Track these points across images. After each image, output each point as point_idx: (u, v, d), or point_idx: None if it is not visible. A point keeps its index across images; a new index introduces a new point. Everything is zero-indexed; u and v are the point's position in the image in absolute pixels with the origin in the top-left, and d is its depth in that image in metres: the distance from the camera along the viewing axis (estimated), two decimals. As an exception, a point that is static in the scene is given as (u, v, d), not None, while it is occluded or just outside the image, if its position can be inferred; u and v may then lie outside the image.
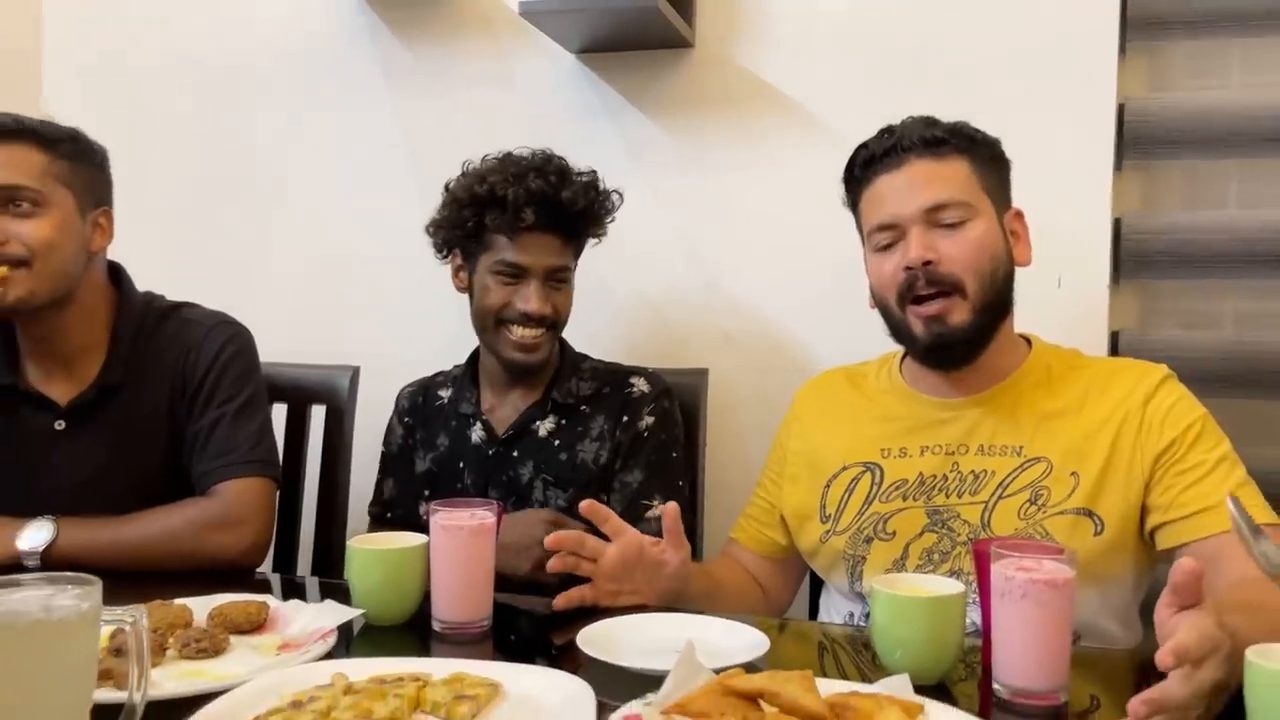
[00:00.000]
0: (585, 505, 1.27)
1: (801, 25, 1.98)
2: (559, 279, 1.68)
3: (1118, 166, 1.85)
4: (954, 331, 1.34)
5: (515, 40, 2.11)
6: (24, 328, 1.53)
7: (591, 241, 1.75)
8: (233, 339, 1.60)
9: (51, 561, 1.35)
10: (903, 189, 1.37)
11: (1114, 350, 1.82)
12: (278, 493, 1.58)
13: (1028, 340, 1.47)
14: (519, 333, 1.64)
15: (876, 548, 1.40)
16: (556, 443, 1.69)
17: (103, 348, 1.55)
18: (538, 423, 1.70)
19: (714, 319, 2.03)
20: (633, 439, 1.68)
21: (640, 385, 1.72)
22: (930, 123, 1.40)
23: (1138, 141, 1.85)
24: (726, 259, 2.03)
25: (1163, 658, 0.84)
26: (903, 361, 1.51)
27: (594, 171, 1.70)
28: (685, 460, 1.72)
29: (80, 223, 1.52)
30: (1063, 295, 1.83)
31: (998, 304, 1.37)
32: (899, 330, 1.40)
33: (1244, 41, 1.82)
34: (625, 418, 1.68)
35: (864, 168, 1.43)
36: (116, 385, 1.54)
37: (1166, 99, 1.84)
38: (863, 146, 1.44)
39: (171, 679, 1.00)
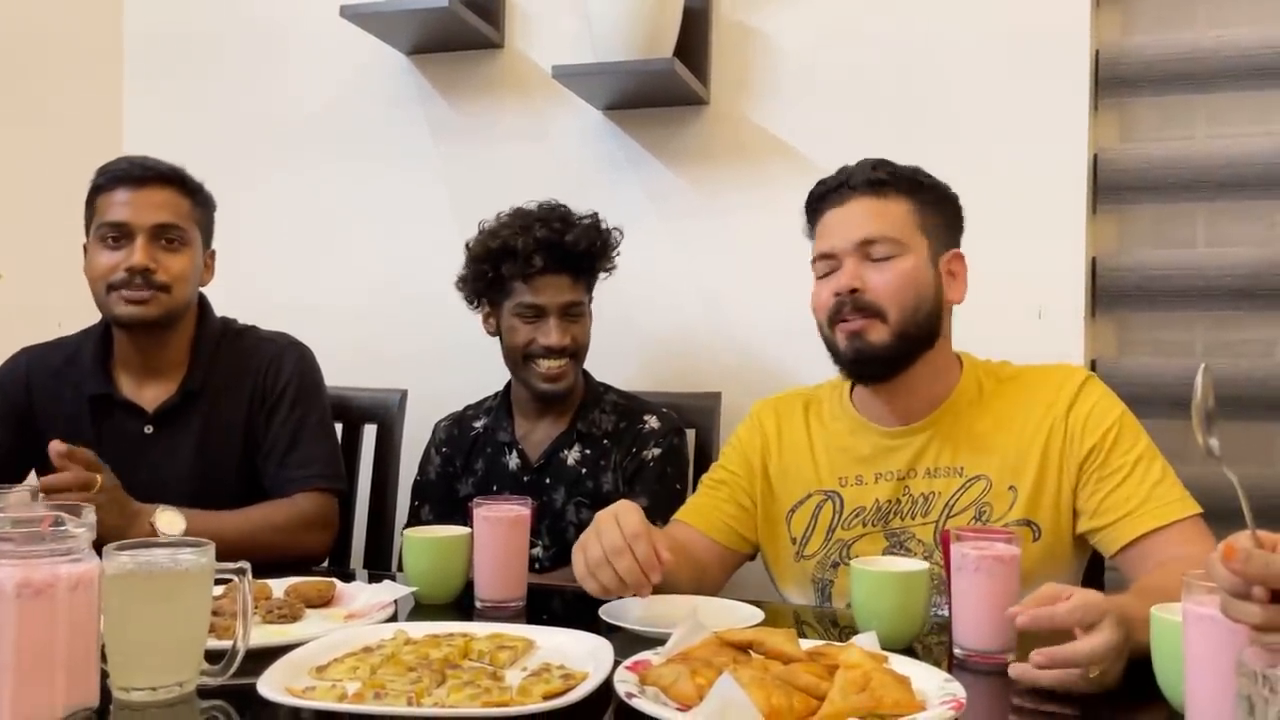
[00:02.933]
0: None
1: (804, 83, 2.16)
2: (574, 313, 1.85)
3: (1093, 210, 2.02)
4: (871, 348, 1.43)
5: (548, 99, 2.30)
6: (133, 341, 1.72)
7: (603, 275, 1.91)
8: (305, 357, 1.81)
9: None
10: (843, 223, 1.46)
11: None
12: (339, 505, 1.78)
13: (961, 360, 1.54)
14: (545, 365, 1.81)
15: (843, 572, 1.49)
16: (584, 470, 1.85)
17: (185, 361, 1.75)
18: (565, 451, 1.86)
19: (726, 348, 2.20)
20: (638, 467, 1.82)
21: (652, 423, 1.86)
22: (877, 165, 1.48)
23: (1111, 188, 2.01)
24: (738, 294, 2.20)
25: (1035, 658, 1.01)
26: (853, 391, 1.57)
27: (595, 214, 1.87)
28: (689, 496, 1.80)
29: (200, 260, 1.76)
30: (1043, 326, 1.99)
31: (920, 334, 1.44)
32: (830, 348, 1.49)
33: (1207, 98, 1.99)
34: (634, 450, 1.84)
35: (817, 201, 1.52)
36: (197, 392, 1.72)
37: (1137, 149, 2.01)
38: (820, 183, 1.53)
39: (261, 637, 1.18)
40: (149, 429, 1.72)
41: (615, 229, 1.90)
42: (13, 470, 1.71)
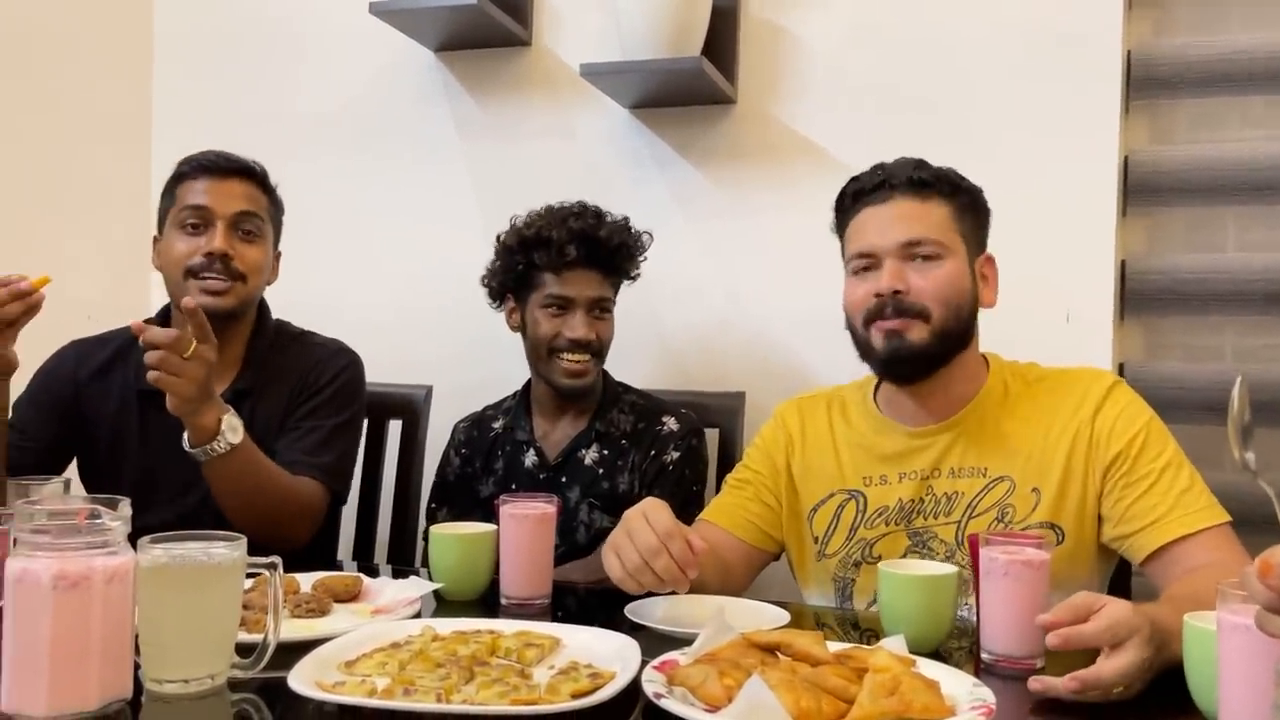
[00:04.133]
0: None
1: (833, 83, 2.16)
2: (602, 309, 1.86)
3: (1122, 213, 2.01)
4: (910, 347, 1.43)
5: (575, 97, 2.31)
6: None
7: (626, 282, 1.92)
8: (352, 365, 1.81)
9: (214, 451, 1.51)
10: (885, 222, 1.46)
11: (1120, 381, 1.97)
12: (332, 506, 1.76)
13: (988, 361, 1.54)
14: (568, 359, 1.82)
15: (865, 571, 1.50)
16: (600, 471, 1.85)
17: (240, 359, 1.76)
18: (583, 450, 1.86)
19: (751, 347, 2.20)
20: (658, 470, 1.83)
21: (671, 424, 1.87)
22: (919, 165, 1.48)
23: (1141, 190, 2.00)
24: (763, 294, 2.20)
25: (1066, 683, 0.99)
26: (877, 391, 1.57)
27: (626, 217, 1.89)
28: (707, 497, 1.83)
29: (271, 257, 1.78)
30: (1071, 330, 1.98)
31: (957, 334, 1.45)
32: (863, 347, 1.49)
33: (1240, 100, 1.97)
34: (653, 452, 1.84)
35: (853, 199, 1.51)
36: (247, 391, 1.73)
37: (1168, 152, 2.00)
38: (854, 179, 1.52)
39: (289, 631, 1.19)
40: None
41: (645, 233, 1.91)
42: (56, 462, 1.72)
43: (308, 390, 1.74)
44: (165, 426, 1.70)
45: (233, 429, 1.52)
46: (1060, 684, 1.00)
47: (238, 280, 1.70)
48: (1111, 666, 1.00)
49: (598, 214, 1.86)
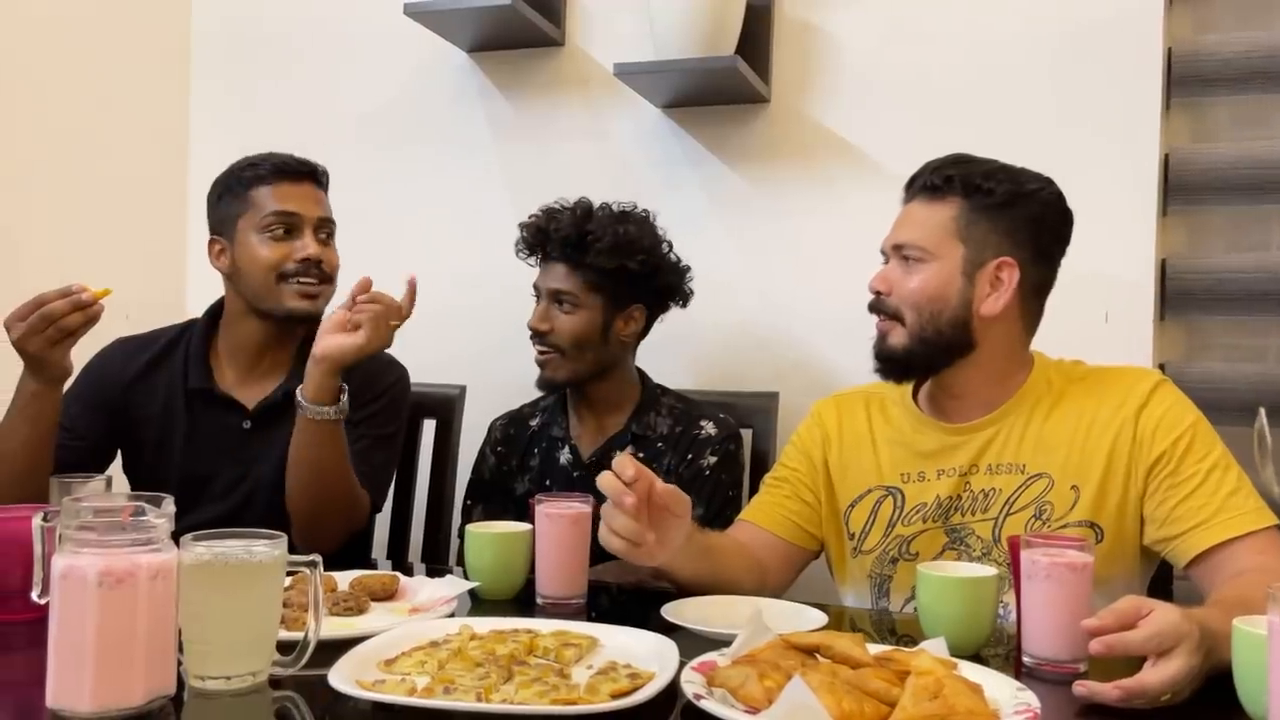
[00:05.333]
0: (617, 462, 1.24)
1: (866, 81, 2.15)
2: (564, 301, 1.85)
3: (1163, 212, 1.99)
4: (890, 350, 1.47)
5: (608, 97, 2.31)
6: (270, 335, 1.75)
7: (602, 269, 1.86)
8: (401, 379, 1.83)
9: (326, 414, 1.55)
10: (896, 223, 1.51)
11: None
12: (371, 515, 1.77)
13: (1033, 359, 1.52)
14: (536, 348, 1.87)
15: (902, 568, 1.49)
16: None
17: (290, 361, 1.77)
18: (618, 451, 1.82)
19: (784, 348, 2.20)
20: (694, 475, 1.81)
21: (708, 429, 1.86)
22: (939, 166, 1.47)
23: (1182, 189, 1.98)
24: (797, 293, 2.19)
25: (1110, 690, 0.98)
26: (917, 388, 1.57)
27: (626, 210, 1.88)
28: (743, 500, 1.82)
29: None
30: (1110, 329, 1.96)
31: (942, 341, 1.44)
32: None
33: (1284, 97, 1.94)
34: (690, 456, 1.83)
35: (904, 192, 1.55)
36: (290, 391, 1.72)
37: (1210, 150, 1.97)
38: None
39: (328, 629, 1.19)
40: (247, 424, 1.74)
41: (630, 224, 1.86)
42: (100, 459, 1.74)
43: (359, 399, 1.73)
44: (218, 426, 1.73)
45: (345, 403, 1.56)
46: (1105, 689, 0.99)
47: (328, 284, 1.75)
48: (1157, 675, 0.98)
49: (587, 209, 1.87)
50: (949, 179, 1.46)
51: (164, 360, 1.78)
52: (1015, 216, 1.45)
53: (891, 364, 1.49)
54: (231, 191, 1.75)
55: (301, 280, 1.71)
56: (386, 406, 1.77)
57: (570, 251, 1.84)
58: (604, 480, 1.21)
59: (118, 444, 1.77)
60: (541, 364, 1.87)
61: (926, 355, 1.46)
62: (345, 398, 1.56)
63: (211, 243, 1.77)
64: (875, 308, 1.50)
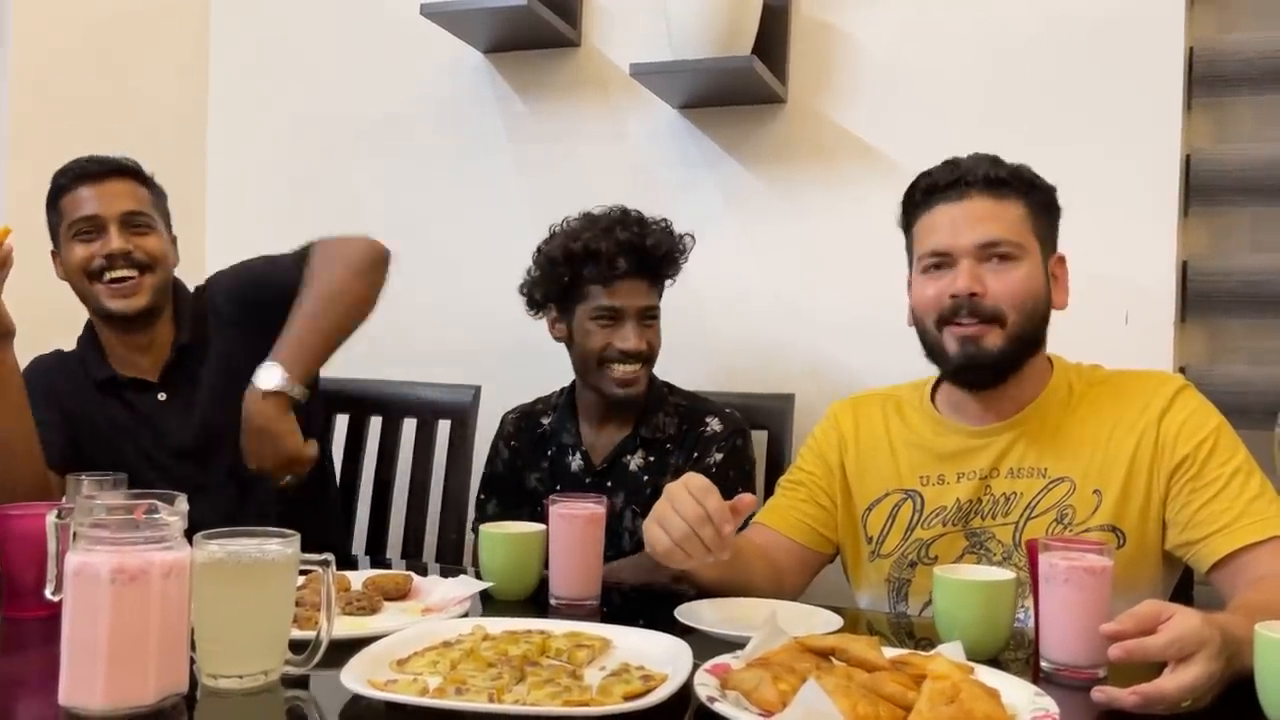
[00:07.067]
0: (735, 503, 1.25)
1: (885, 82, 2.13)
2: (650, 317, 1.83)
3: (1184, 213, 1.97)
4: (986, 354, 1.40)
5: (624, 97, 2.30)
6: (121, 338, 1.76)
7: (669, 283, 1.89)
8: (246, 266, 1.84)
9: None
10: (960, 221, 1.42)
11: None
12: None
13: (1051, 362, 1.51)
14: (619, 370, 1.79)
15: (921, 571, 1.48)
16: (645, 477, 1.83)
17: (171, 325, 1.79)
18: (628, 456, 1.85)
19: (801, 349, 2.18)
20: (701, 473, 1.80)
21: (714, 425, 1.84)
22: (995, 162, 1.45)
23: (1203, 189, 1.96)
24: (813, 295, 2.18)
25: (1128, 696, 0.96)
26: (935, 391, 1.55)
27: (666, 219, 1.85)
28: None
29: (169, 244, 1.80)
30: (1130, 331, 1.94)
31: (1031, 338, 1.42)
32: (933, 349, 1.46)
33: (1308, 97, 1.91)
34: (696, 454, 1.82)
35: (925, 194, 1.46)
36: (188, 345, 1.77)
37: (1232, 150, 1.95)
38: (926, 174, 1.48)
39: (340, 628, 1.19)
40: (162, 395, 1.77)
41: (687, 235, 1.88)
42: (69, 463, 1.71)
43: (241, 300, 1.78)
44: (136, 407, 1.76)
45: (275, 386, 1.58)
46: (1124, 695, 0.98)
47: (145, 271, 1.73)
48: (1176, 682, 0.97)
49: (640, 221, 1.82)
50: (1011, 175, 1.44)
51: (77, 364, 1.80)
52: (1052, 215, 1.49)
53: (982, 370, 1.42)
54: (50, 203, 1.77)
55: (111, 275, 1.71)
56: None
57: (655, 265, 1.83)
58: (712, 536, 1.20)
59: (79, 445, 1.75)
60: (630, 382, 1.81)
61: (1016, 356, 1.42)
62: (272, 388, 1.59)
63: (52, 254, 1.79)
64: (968, 311, 1.40)
